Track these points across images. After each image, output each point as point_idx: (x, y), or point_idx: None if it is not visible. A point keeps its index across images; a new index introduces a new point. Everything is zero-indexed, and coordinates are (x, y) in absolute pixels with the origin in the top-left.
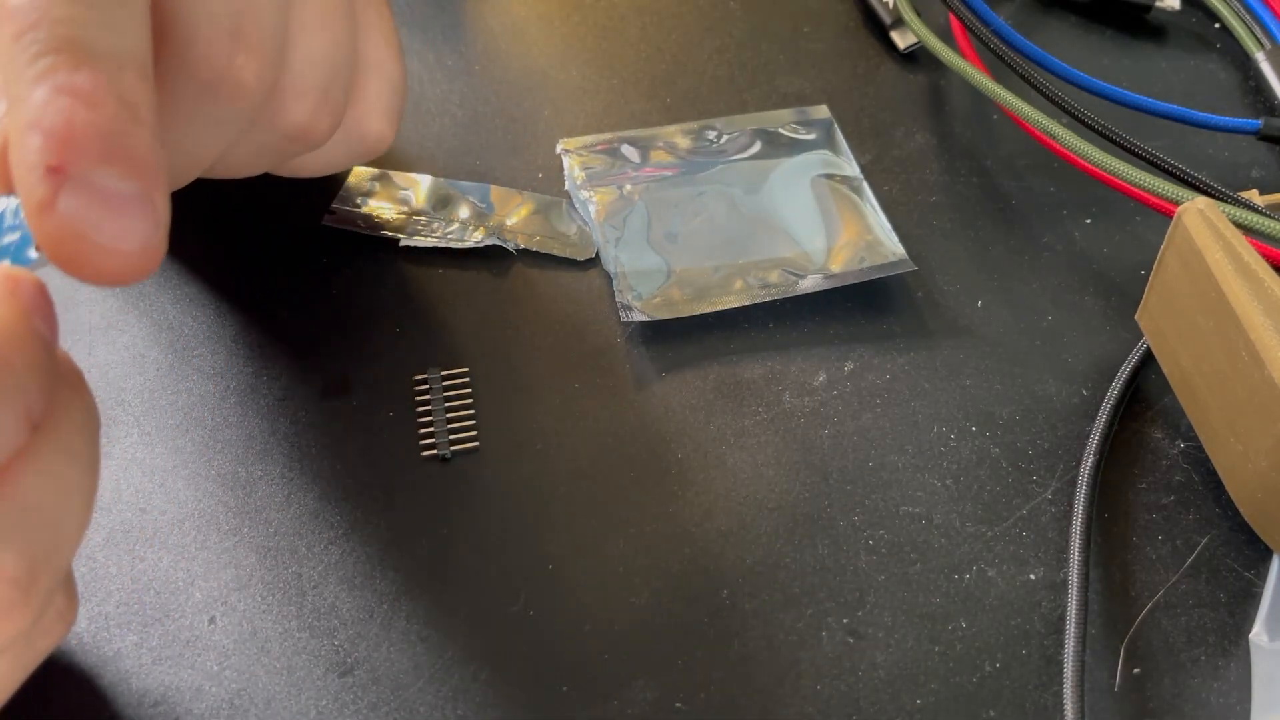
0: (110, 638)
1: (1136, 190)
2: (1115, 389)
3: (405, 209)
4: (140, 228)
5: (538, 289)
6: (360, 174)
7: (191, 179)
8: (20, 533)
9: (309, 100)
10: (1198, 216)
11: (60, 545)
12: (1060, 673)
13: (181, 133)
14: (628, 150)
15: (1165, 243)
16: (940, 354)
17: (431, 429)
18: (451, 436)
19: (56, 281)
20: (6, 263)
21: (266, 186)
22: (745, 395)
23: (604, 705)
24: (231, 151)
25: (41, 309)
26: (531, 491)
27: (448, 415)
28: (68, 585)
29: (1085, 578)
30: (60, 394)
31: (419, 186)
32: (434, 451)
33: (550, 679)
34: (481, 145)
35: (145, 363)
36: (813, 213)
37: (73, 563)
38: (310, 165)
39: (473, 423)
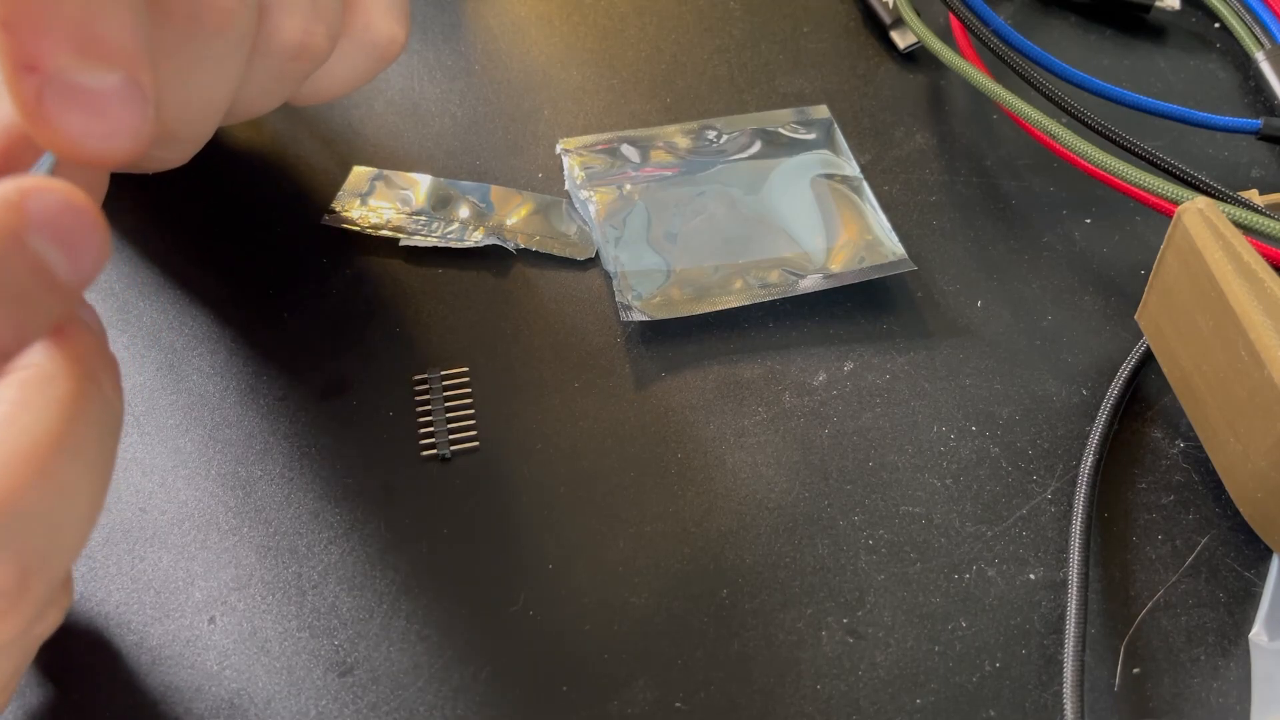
0: (110, 638)
1: (1136, 190)
2: (1115, 389)
3: (405, 209)
4: (130, 120)
5: (538, 289)
6: (360, 174)
7: (214, 125)
8: (11, 542)
9: (298, 13)
10: (1198, 216)
11: (57, 552)
12: (1060, 672)
13: (182, 78)
14: (628, 150)
15: (1165, 243)
16: (940, 354)
17: (431, 429)
18: (451, 436)
19: None
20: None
21: (267, 186)
22: (745, 395)
23: (604, 705)
24: (242, 89)
25: (59, 229)
26: (531, 491)
27: (448, 415)
28: (66, 589)
29: (1085, 577)
30: (76, 386)
31: (419, 186)
32: (434, 451)
33: (550, 679)
34: (481, 145)
35: (145, 363)
36: (812, 213)
37: (70, 570)
38: (328, 85)
39: (473, 423)
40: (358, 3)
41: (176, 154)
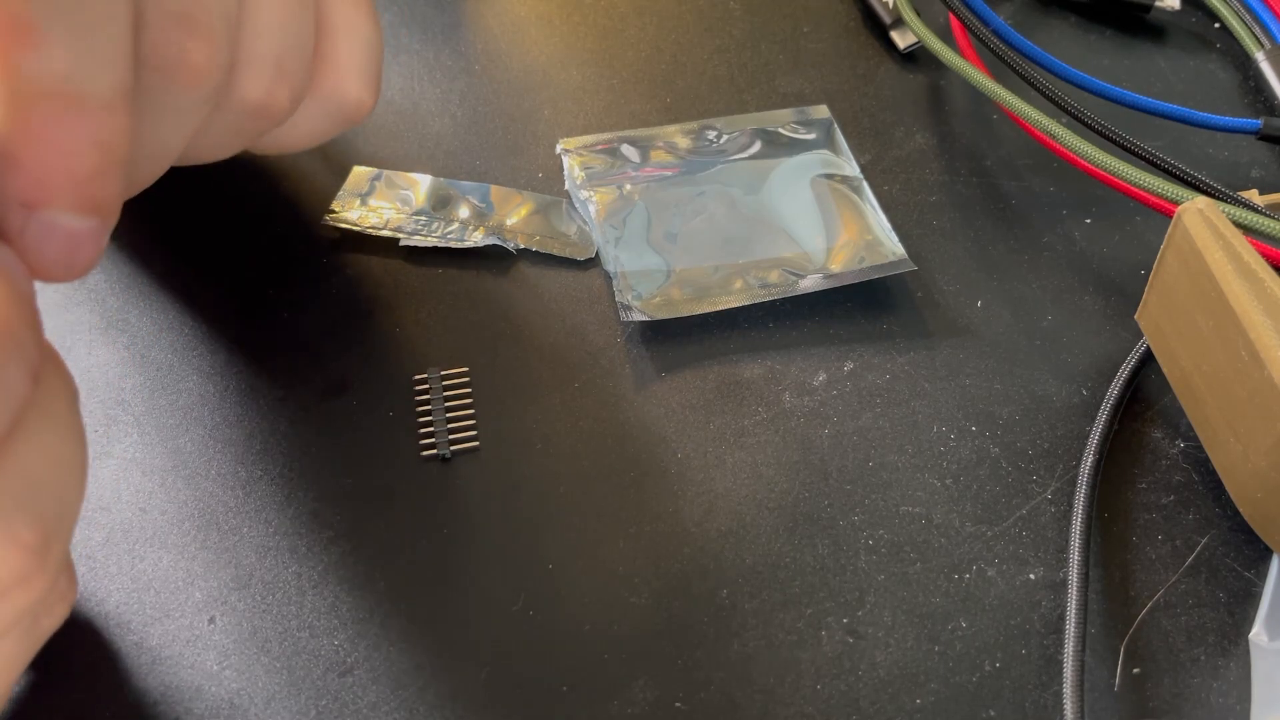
0: (110, 638)
1: (1136, 190)
2: (1115, 389)
3: (405, 209)
4: (86, 255)
5: (538, 289)
6: (360, 174)
7: (162, 171)
8: (32, 503)
9: (263, 75)
10: (1198, 216)
11: (65, 515)
12: (1060, 672)
13: (144, 125)
14: (628, 150)
15: (1165, 243)
16: (940, 354)
17: (431, 429)
18: (451, 436)
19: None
20: None
21: (267, 186)
22: (745, 395)
23: (604, 705)
24: (198, 139)
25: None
26: (531, 491)
27: (448, 415)
28: (67, 566)
29: (1085, 577)
30: (46, 365)
31: (419, 186)
32: (434, 451)
33: (550, 679)
34: (481, 145)
35: (145, 363)
36: (812, 213)
37: (73, 563)
38: (290, 139)
39: (473, 423)
40: (329, 66)
41: (123, 195)
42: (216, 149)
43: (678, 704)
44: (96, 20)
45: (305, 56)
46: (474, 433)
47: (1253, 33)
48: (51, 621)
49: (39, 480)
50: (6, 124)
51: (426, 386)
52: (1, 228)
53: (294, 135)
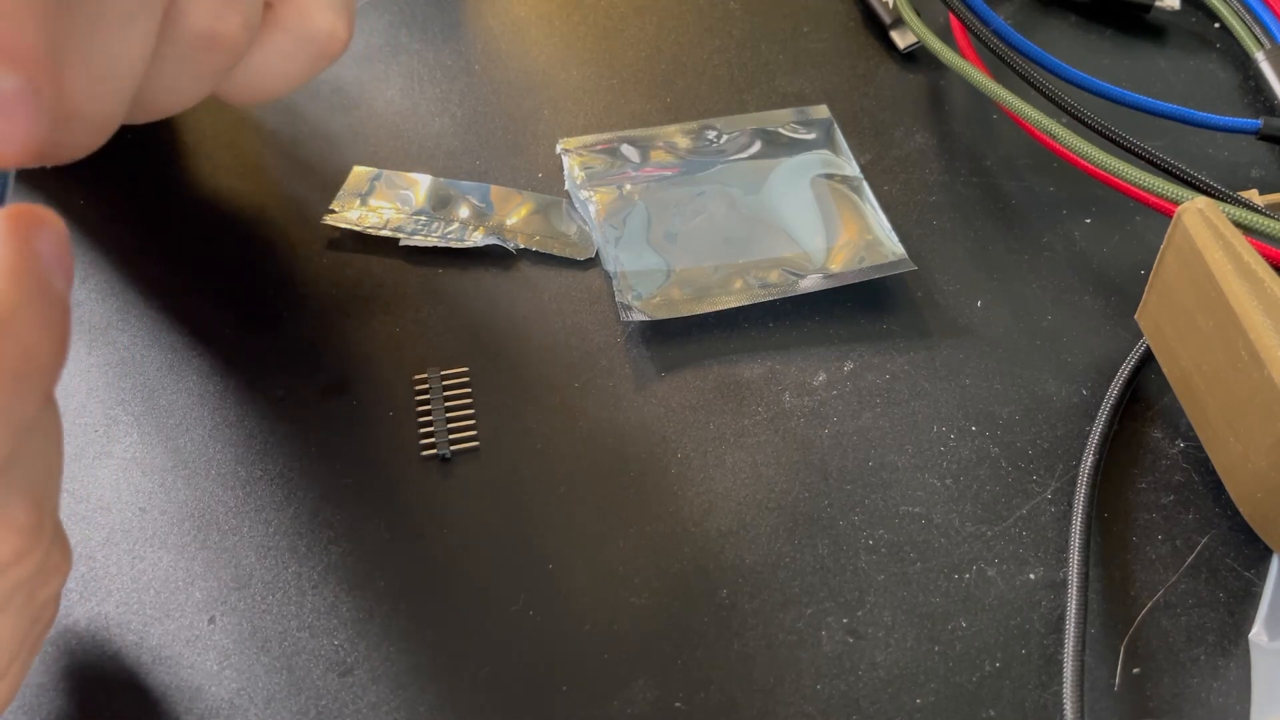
0: (110, 638)
1: (1136, 190)
2: (1115, 389)
3: (405, 209)
4: (23, 126)
5: (538, 289)
6: (360, 174)
7: (119, 109)
8: (24, 485)
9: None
10: (1197, 216)
11: (52, 490)
12: (1060, 672)
13: (81, 44)
14: (628, 150)
15: (1165, 243)
16: (940, 354)
17: (431, 429)
18: (451, 436)
19: None
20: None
21: (267, 186)
22: (745, 395)
23: (604, 705)
24: (152, 78)
25: (60, 258)
26: (531, 491)
27: (448, 415)
28: (59, 536)
29: (1085, 577)
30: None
31: (419, 186)
32: (434, 451)
33: (550, 679)
34: (481, 145)
35: (145, 363)
36: (812, 212)
37: (65, 534)
38: (263, 83)
39: (473, 423)
40: None
41: (81, 139)
42: (177, 92)
43: (678, 704)
44: None
45: None
46: (474, 433)
47: (1253, 33)
48: (47, 592)
49: (28, 462)
50: None
51: (426, 386)
52: None
53: (266, 78)
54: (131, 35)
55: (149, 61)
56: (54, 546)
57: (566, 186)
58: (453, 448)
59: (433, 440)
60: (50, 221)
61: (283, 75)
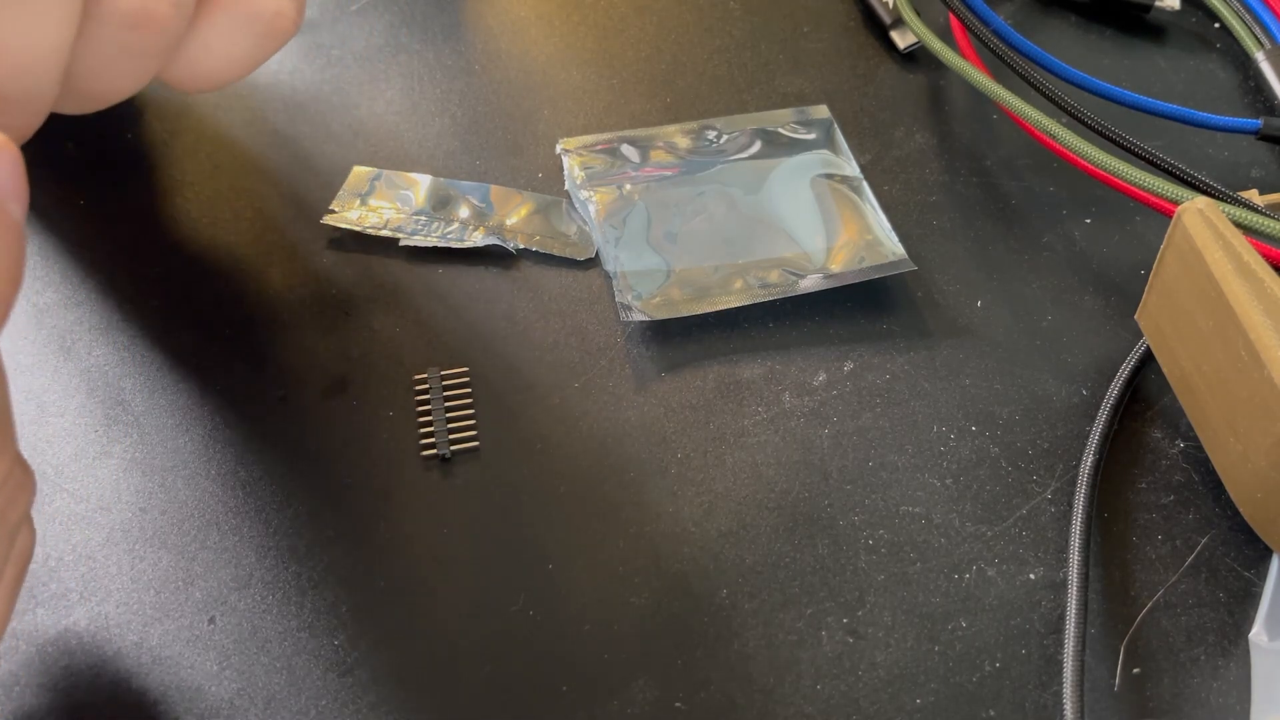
0: (110, 638)
1: (1136, 190)
2: (1115, 389)
3: (405, 209)
4: None
5: (538, 289)
6: (360, 174)
7: (49, 89)
8: None
9: None
10: (1197, 216)
11: (4, 414)
12: (1060, 672)
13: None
14: (628, 150)
15: (1165, 243)
16: (940, 354)
17: (431, 429)
18: (451, 436)
19: (58, 281)
20: None
21: (267, 186)
22: (745, 395)
23: (604, 705)
24: (82, 59)
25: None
26: (531, 491)
27: (448, 415)
28: (18, 459)
29: (1085, 577)
30: None
31: (419, 186)
32: (434, 451)
33: (550, 679)
34: (481, 145)
35: (145, 363)
36: (812, 212)
37: (23, 457)
38: (210, 67)
39: (473, 423)
40: None
41: (8, 121)
42: (112, 75)
43: (678, 704)
44: None
45: None
46: (474, 433)
47: (1253, 33)
48: (17, 511)
49: None
50: None
51: (426, 386)
52: None
53: (211, 61)
54: (51, 14)
55: (72, 42)
56: (15, 466)
57: (566, 186)
58: (453, 448)
59: (433, 440)
60: (3, 146)
61: (228, 58)
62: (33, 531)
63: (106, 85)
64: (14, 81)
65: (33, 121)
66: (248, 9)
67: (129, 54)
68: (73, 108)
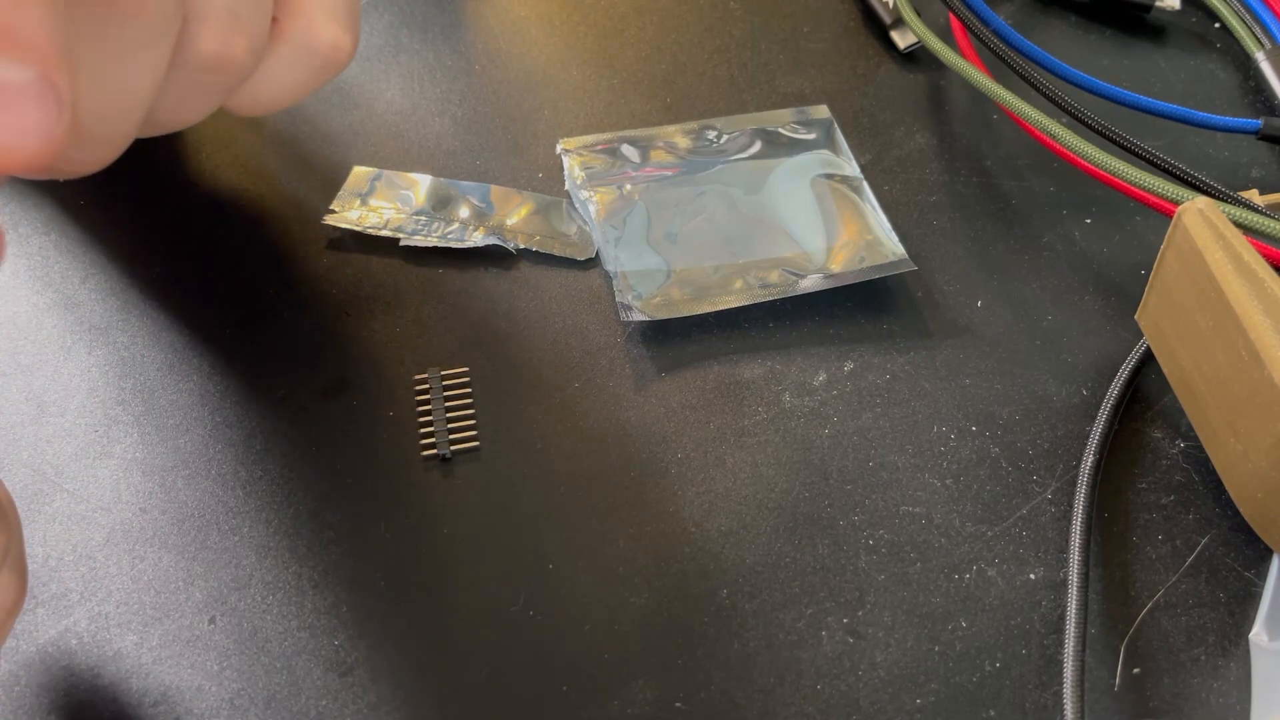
0: (110, 638)
1: (1136, 190)
2: (1115, 389)
3: (405, 209)
4: (43, 120)
5: (538, 289)
6: (360, 174)
7: (132, 129)
8: None
9: (218, 23)
10: (1198, 216)
11: None
12: (1060, 673)
13: (97, 68)
14: (628, 150)
15: (1165, 243)
16: (940, 354)
17: (431, 429)
18: (451, 436)
19: (57, 280)
20: None
21: (267, 186)
22: (745, 395)
23: (604, 705)
24: (160, 95)
25: None
26: (531, 491)
27: (448, 415)
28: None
29: (1085, 577)
30: None
31: (419, 186)
32: (434, 451)
33: (550, 679)
34: (481, 145)
35: (145, 363)
36: (813, 212)
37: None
38: (269, 95)
39: (473, 423)
40: (295, 6)
41: (92, 156)
42: (184, 110)
43: (678, 704)
44: None
45: (264, 6)
46: (474, 433)
47: (1253, 33)
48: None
49: None
50: None
51: (426, 386)
52: None
53: (271, 89)
54: (145, 62)
55: (161, 85)
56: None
57: (566, 186)
58: (453, 448)
59: (433, 440)
60: None
61: (287, 87)
62: (20, 576)
63: (175, 117)
64: (103, 124)
65: (110, 156)
66: (308, 43)
67: (203, 91)
68: (137, 134)
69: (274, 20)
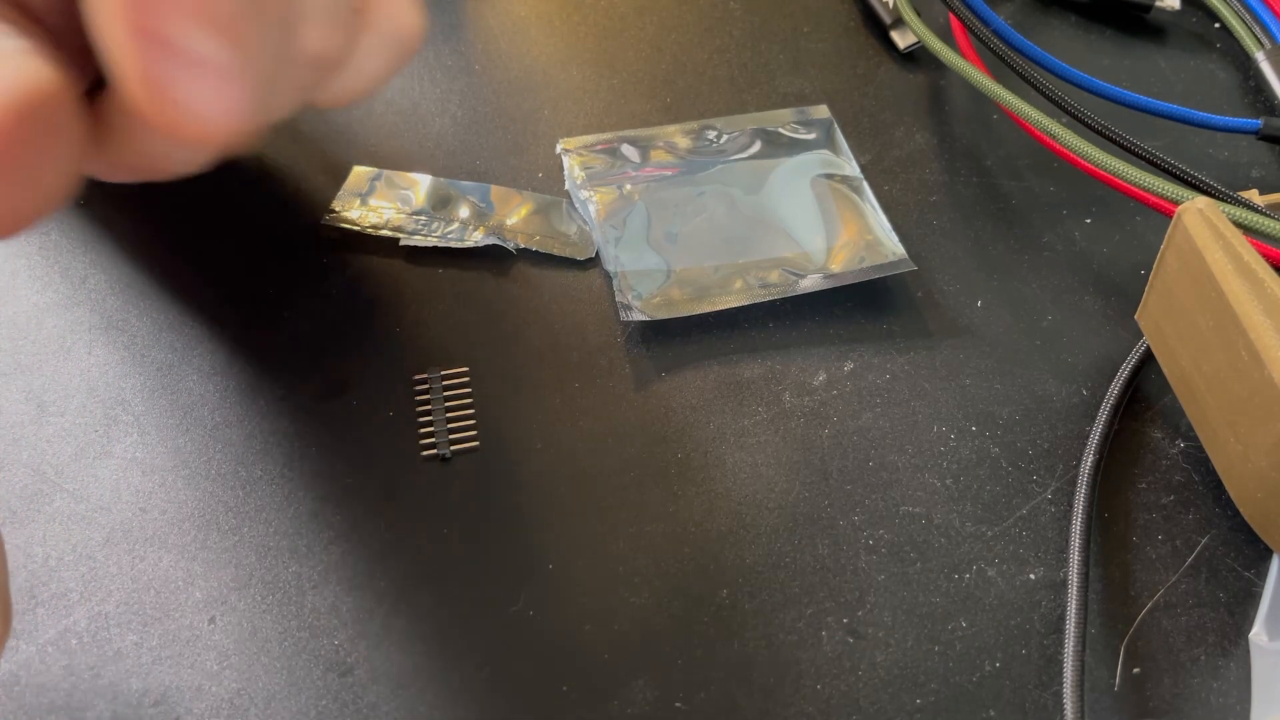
0: (110, 638)
1: (1136, 190)
2: (1115, 389)
3: (405, 209)
4: (235, 101)
5: (538, 289)
6: (360, 174)
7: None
8: None
9: (320, 23)
10: (1198, 216)
11: None
12: (1060, 673)
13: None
14: (628, 150)
15: (1165, 242)
16: (940, 354)
17: (431, 429)
18: (451, 436)
19: (57, 280)
20: None
21: (267, 186)
22: (745, 395)
23: (604, 705)
24: (266, 97)
25: None
26: (531, 491)
27: (448, 415)
28: None
29: (1085, 577)
30: None
31: (419, 186)
32: (434, 451)
33: (550, 679)
34: (481, 145)
35: (145, 363)
36: (813, 212)
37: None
38: (356, 85)
39: (473, 423)
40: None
41: (193, 158)
42: (279, 108)
43: (678, 704)
44: None
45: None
46: (474, 433)
47: (1253, 33)
48: None
49: None
50: None
51: (426, 386)
52: (129, 72)
53: (359, 80)
54: (278, 60)
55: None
56: None
57: (566, 186)
58: (453, 448)
59: (433, 440)
60: None
61: (373, 76)
62: (3, 615)
63: (264, 117)
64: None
65: (209, 160)
66: (391, 29)
67: (295, 89)
68: None
69: (358, 11)
